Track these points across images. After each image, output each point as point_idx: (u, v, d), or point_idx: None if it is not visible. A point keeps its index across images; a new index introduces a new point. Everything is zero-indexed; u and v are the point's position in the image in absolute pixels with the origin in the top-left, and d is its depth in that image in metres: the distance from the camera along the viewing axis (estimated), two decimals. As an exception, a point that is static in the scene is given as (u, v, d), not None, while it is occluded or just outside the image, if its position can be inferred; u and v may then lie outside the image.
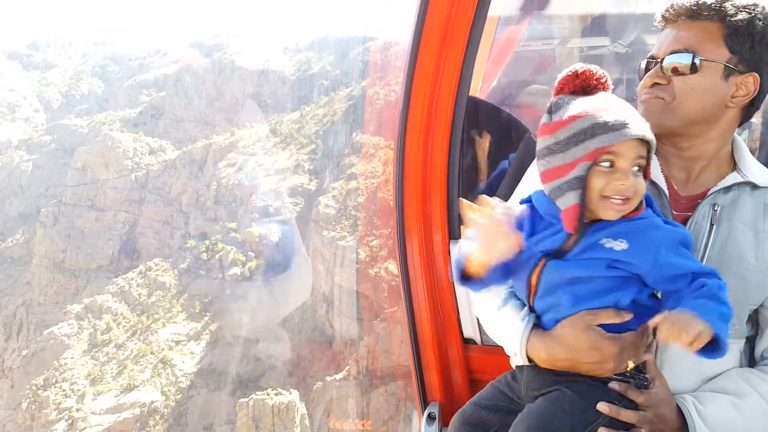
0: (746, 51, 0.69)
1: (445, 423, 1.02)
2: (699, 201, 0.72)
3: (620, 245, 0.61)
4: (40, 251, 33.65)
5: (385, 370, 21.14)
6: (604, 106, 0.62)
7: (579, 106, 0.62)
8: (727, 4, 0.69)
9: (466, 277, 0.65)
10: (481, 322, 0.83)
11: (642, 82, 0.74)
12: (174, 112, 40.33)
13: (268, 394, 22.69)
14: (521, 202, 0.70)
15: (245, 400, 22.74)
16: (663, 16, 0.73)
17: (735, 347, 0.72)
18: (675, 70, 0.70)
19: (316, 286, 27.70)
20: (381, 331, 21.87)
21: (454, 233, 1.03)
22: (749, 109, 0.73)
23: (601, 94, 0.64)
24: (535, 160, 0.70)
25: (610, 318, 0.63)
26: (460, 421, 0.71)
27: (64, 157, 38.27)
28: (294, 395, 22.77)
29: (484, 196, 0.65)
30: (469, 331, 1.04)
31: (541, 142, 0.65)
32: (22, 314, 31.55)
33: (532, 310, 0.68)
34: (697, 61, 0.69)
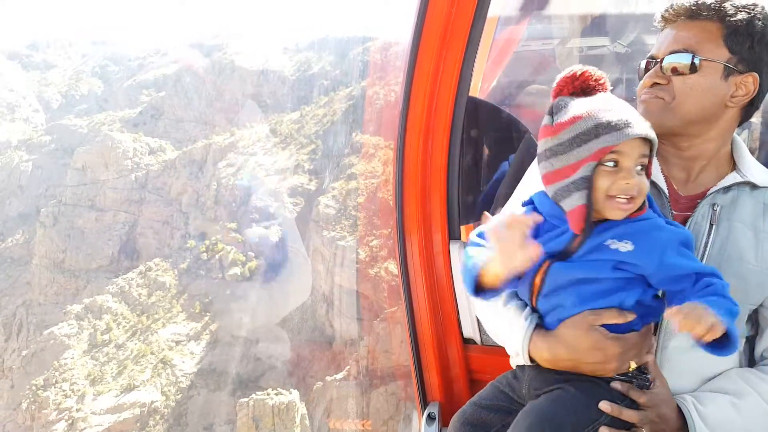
0: (746, 51, 0.69)
1: (444, 423, 1.02)
2: (699, 201, 0.72)
3: (626, 247, 0.61)
4: (40, 251, 33.64)
5: (385, 370, 21.15)
6: (606, 106, 0.62)
7: (580, 106, 0.62)
8: (727, 4, 0.69)
9: (479, 289, 0.65)
10: (481, 322, 0.83)
11: (642, 82, 0.74)
12: (174, 113, 40.32)
13: (268, 394, 22.70)
14: (523, 204, 0.69)
15: (245, 400, 22.75)
16: (662, 17, 0.73)
17: None
18: (675, 70, 0.70)
19: (316, 286, 27.70)
20: (381, 331, 21.88)
21: (453, 233, 1.03)
22: (749, 108, 0.73)
23: (601, 95, 0.64)
24: (535, 161, 0.70)
25: (614, 318, 0.63)
26: (460, 421, 0.71)
27: (64, 158, 38.27)
28: (294, 395, 22.78)
29: (486, 213, 0.65)
30: (469, 331, 1.04)
31: (543, 144, 0.65)
32: (22, 314, 31.54)
33: (534, 310, 0.67)
34: (696, 61, 0.69)
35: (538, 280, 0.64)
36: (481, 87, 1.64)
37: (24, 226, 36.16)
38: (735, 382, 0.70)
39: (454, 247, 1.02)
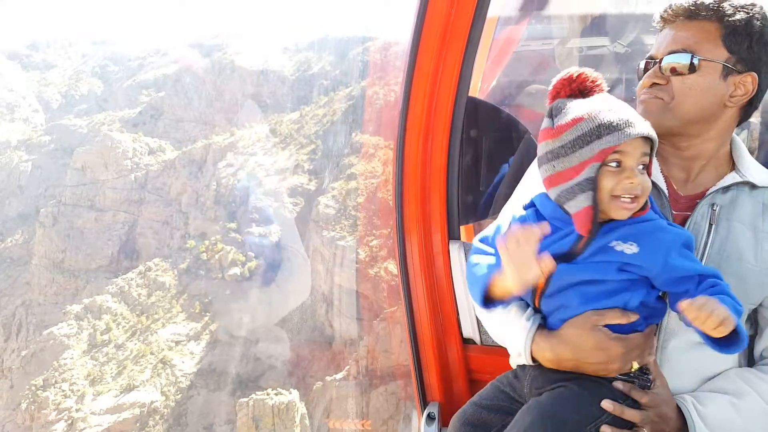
0: (744, 51, 0.69)
1: (444, 423, 1.02)
2: (698, 201, 0.72)
3: (631, 249, 0.61)
4: (39, 251, 33.62)
5: (385, 369, 21.16)
6: (606, 106, 0.62)
7: (580, 108, 0.62)
8: (725, 4, 0.69)
9: (488, 301, 0.65)
10: (482, 322, 0.83)
11: (641, 82, 0.74)
12: (173, 113, 40.31)
13: (268, 394, 22.69)
14: (524, 208, 0.69)
15: (245, 400, 22.74)
16: (661, 17, 0.73)
17: None
18: (673, 70, 0.70)
19: (315, 286, 27.70)
20: (381, 330, 21.88)
21: (453, 233, 1.03)
22: (748, 108, 0.73)
23: (599, 96, 0.64)
24: (534, 161, 0.71)
25: (617, 318, 0.63)
26: (460, 421, 0.70)
27: (64, 158, 38.25)
28: (294, 395, 22.78)
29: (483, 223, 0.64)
30: (469, 331, 1.04)
31: (544, 147, 0.64)
32: (21, 314, 31.51)
33: (536, 310, 0.67)
34: (695, 61, 0.69)
35: (542, 281, 0.64)
36: (480, 87, 1.64)
37: (23, 226, 36.14)
38: (734, 381, 0.70)
39: (454, 247, 1.02)
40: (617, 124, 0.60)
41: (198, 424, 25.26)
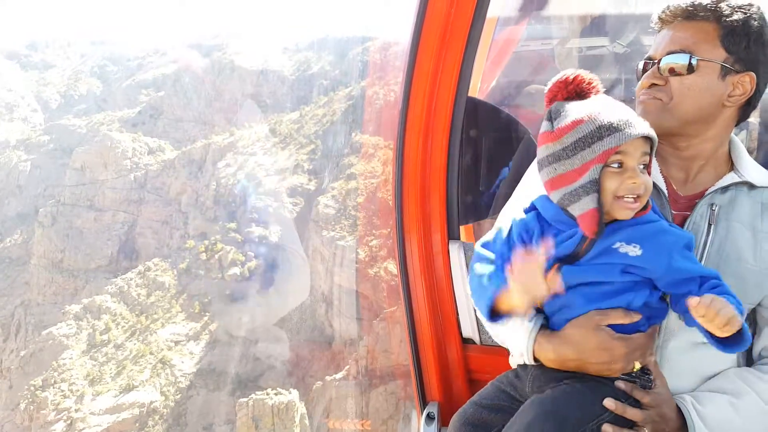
0: (742, 50, 0.69)
1: (443, 423, 1.02)
2: (697, 201, 0.72)
3: (634, 251, 0.61)
4: (38, 251, 33.55)
5: (385, 369, 21.16)
6: (604, 108, 0.62)
7: (580, 110, 0.63)
8: (723, 5, 0.69)
9: (494, 314, 0.65)
10: (482, 322, 0.83)
11: (640, 83, 0.74)
12: (173, 112, 40.25)
13: (267, 394, 22.68)
14: (525, 211, 0.69)
15: (245, 399, 22.72)
16: (659, 18, 0.73)
17: None
18: (672, 71, 0.70)
19: (315, 286, 27.69)
20: (380, 330, 21.89)
21: (453, 233, 1.03)
22: (746, 108, 0.73)
23: (596, 97, 0.65)
24: (534, 162, 0.70)
25: (620, 318, 0.63)
26: (461, 421, 0.70)
27: (63, 157, 38.18)
28: (294, 395, 22.78)
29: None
30: (468, 331, 1.05)
31: (545, 150, 0.64)
32: (20, 315, 31.46)
33: (537, 310, 0.67)
34: (693, 62, 0.69)
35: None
36: (480, 87, 1.65)
37: (22, 226, 36.07)
38: (733, 381, 0.70)
39: (454, 247, 1.02)
40: (617, 125, 0.60)
41: (197, 424, 25.24)
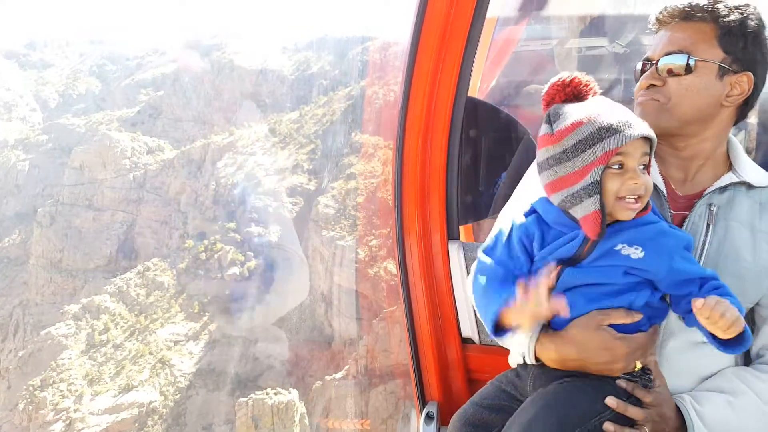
0: (739, 51, 0.70)
1: (443, 422, 1.02)
2: (696, 201, 0.72)
3: (636, 253, 0.61)
4: (36, 251, 33.46)
5: (384, 369, 21.18)
6: (604, 109, 0.63)
7: (579, 112, 0.63)
8: (720, 5, 0.70)
9: (498, 328, 0.65)
10: (482, 322, 0.83)
11: (638, 83, 0.75)
12: (172, 112, 40.17)
13: (267, 394, 22.68)
14: (525, 215, 0.69)
15: (244, 399, 22.71)
16: (657, 19, 0.74)
17: None
18: (670, 72, 0.71)
19: (315, 285, 27.69)
20: (380, 330, 21.90)
21: (452, 233, 1.03)
22: (744, 108, 0.74)
23: (594, 99, 0.65)
24: (534, 162, 0.70)
25: (621, 318, 0.63)
26: (461, 421, 0.70)
27: (61, 157, 38.07)
28: (293, 394, 22.77)
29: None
30: (468, 330, 1.05)
31: (545, 153, 0.64)
32: (18, 315, 31.37)
33: None
34: (691, 62, 0.69)
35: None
36: (479, 87, 1.65)
37: (21, 225, 35.97)
38: (731, 381, 0.70)
39: (453, 247, 1.03)
40: (617, 126, 0.60)
41: (197, 424, 25.23)
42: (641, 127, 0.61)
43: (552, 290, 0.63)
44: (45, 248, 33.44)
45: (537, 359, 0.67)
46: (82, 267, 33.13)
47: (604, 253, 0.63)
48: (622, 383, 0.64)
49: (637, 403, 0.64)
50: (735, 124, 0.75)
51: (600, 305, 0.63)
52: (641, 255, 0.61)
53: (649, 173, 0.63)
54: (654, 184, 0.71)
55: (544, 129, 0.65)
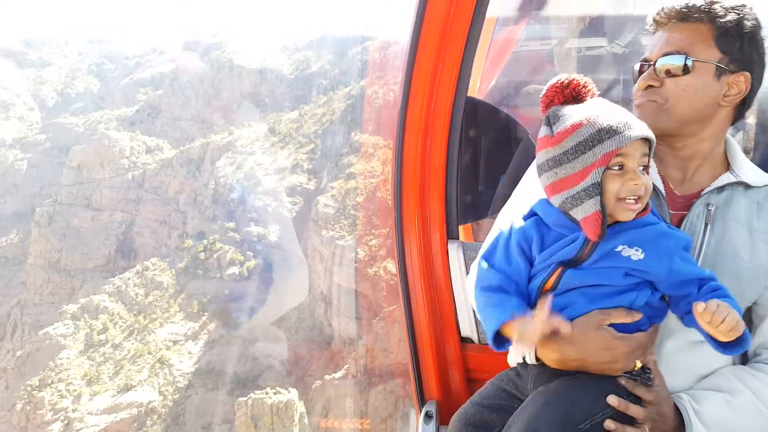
0: (736, 51, 0.70)
1: (442, 421, 1.02)
2: (694, 200, 0.73)
3: (637, 255, 0.62)
4: (35, 251, 33.36)
5: (384, 368, 21.21)
6: (603, 111, 0.63)
7: (578, 114, 0.63)
8: (716, 6, 0.70)
9: (499, 340, 0.65)
10: (481, 321, 0.83)
11: (636, 84, 0.75)
12: (171, 111, 40.06)
13: (266, 393, 22.67)
14: (524, 218, 0.69)
15: (244, 399, 22.70)
16: (654, 20, 0.74)
17: None
18: (668, 72, 0.71)
19: (314, 285, 27.68)
20: (379, 330, 21.92)
21: (452, 233, 1.04)
22: (741, 107, 0.74)
23: (593, 100, 0.65)
24: (533, 163, 0.71)
25: (622, 318, 0.63)
26: (462, 421, 0.70)
27: (60, 156, 37.93)
28: (293, 394, 22.77)
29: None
30: (467, 330, 1.05)
31: (545, 155, 0.65)
32: (16, 315, 31.28)
33: None
34: (689, 63, 0.70)
35: (549, 285, 0.64)
36: (479, 87, 1.65)
37: (19, 225, 35.83)
38: (729, 379, 0.70)
39: (453, 247, 1.03)
40: (617, 127, 0.61)
41: (196, 424, 25.20)
42: (641, 128, 0.62)
43: (552, 291, 0.64)
44: (43, 248, 33.34)
45: (537, 359, 0.68)
46: (81, 267, 33.04)
47: (604, 254, 0.63)
48: (622, 381, 0.64)
49: (637, 401, 0.64)
50: (732, 123, 0.75)
51: (601, 305, 0.64)
52: (641, 256, 0.62)
53: (648, 174, 0.64)
54: (653, 184, 0.71)
55: (543, 131, 0.65)
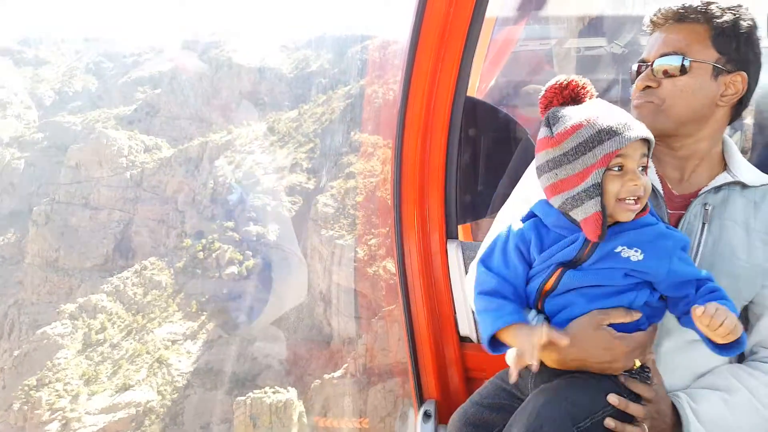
0: (733, 51, 0.71)
1: (441, 420, 1.02)
2: (692, 200, 0.73)
3: (636, 256, 0.62)
4: (32, 250, 33.20)
5: (383, 367, 21.24)
6: (602, 112, 0.63)
7: (578, 115, 0.63)
8: (713, 7, 0.71)
9: (494, 344, 0.65)
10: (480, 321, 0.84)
11: (634, 85, 0.75)
12: (169, 110, 39.90)
13: (265, 392, 22.65)
14: (522, 220, 0.69)
15: (242, 398, 22.68)
16: (651, 21, 0.74)
17: None
18: (665, 73, 0.71)
19: (314, 284, 27.66)
20: (379, 329, 21.94)
21: (451, 232, 1.04)
22: (738, 107, 0.75)
23: (592, 101, 0.66)
24: (533, 162, 0.71)
25: (621, 317, 0.64)
26: (462, 421, 0.70)
27: (57, 155, 37.75)
28: (292, 393, 22.77)
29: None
30: (466, 329, 1.05)
31: (545, 156, 0.65)
32: (13, 314, 31.13)
33: (538, 311, 0.67)
34: (686, 63, 0.70)
35: (549, 285, 0.65)
36: (479, 87, 1.65)
37: (16, 224, 35.65)
38: (725, 378, 0.71)
39: (452, 247, 1.03)
40: (617, 128, 0.61)
41: (195, 424, 25.17)
42: (640, 129, 0.62)
43: (552, 292, 0.64)
44: (41, 247, 33.19)
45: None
46: (79, 266, 32.90)
47: (604, 255, 0.63)
48: (622, 380, 0.65)
49: (636, 400, 0.65)
50: (730, 123, 0.76)
51: (600, 305, 0.64)
52: (641, 257, 0.62)
53: (647, 174, 0.64)
54: (651, 184, 0.72)
55: (543, 132, 0.65)
